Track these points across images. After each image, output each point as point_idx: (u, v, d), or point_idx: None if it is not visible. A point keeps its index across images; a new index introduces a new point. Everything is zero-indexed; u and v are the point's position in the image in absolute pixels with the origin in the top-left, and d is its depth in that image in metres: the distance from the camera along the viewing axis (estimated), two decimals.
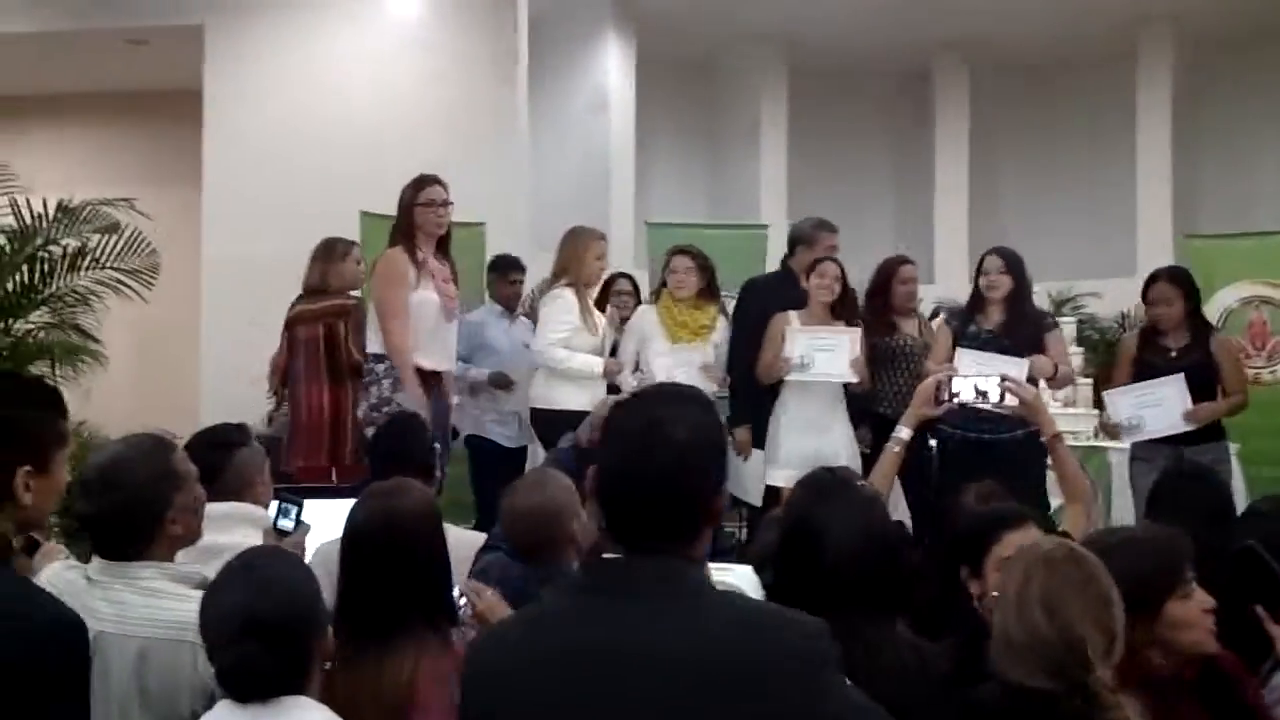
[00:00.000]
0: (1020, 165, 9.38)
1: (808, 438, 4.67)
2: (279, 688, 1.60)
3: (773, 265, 7.50)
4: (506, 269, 5.77)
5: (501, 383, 5.23)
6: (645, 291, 5.90)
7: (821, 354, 4.72)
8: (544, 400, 4.92)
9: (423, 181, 4.56)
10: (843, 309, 4.81)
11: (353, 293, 5.03)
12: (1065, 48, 8.83)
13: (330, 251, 5.06)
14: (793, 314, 4.90)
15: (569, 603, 1.43)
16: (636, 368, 5.03)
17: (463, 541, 2.68)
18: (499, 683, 1.39)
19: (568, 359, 4.82)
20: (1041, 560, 1.80)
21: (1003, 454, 4.16)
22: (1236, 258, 6.60)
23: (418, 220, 4.47)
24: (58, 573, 1.94)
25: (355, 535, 2.07)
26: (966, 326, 4.60)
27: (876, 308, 5.03)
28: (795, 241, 5.34)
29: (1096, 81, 9.05)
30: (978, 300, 4.63)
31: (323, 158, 6.60)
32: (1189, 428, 4.42)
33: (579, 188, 8.35)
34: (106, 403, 5.79)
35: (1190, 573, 1.92)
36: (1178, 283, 4.67)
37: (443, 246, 4.60)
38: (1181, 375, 4.44)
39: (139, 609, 1.85)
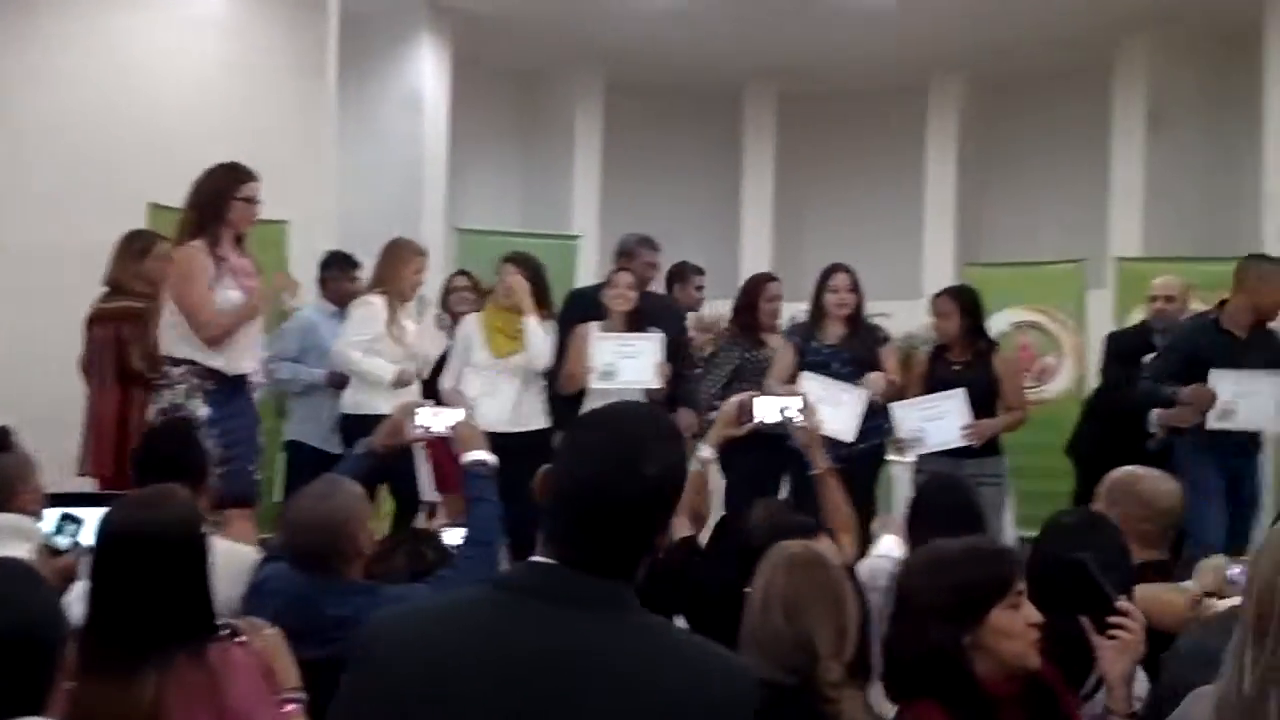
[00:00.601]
0: (822, 189, 9.79)
1: None
2: (10, 709, 1.49)
3: (584, 275, 7.63)
4: (346, 265, 5.65)
5: (339, 383, 5.09)
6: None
7: (626, 360, 4.81)
8: (353, 405, 4.83)
9: (242, 174, 4.30)
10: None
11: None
12: (864, 81, 9.29)
13: (130, 246, 4.80)
14: (593, 324, 4.98)
15: (512, 601, 1.38)
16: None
17: (236, 555, 2.58)
18: (426, 672, 1.33)
19: (359, 362, 4.76)
20: (785, 562, 1.90)
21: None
22: (1011, 284, 7.11)
23: (230, 214, 4.20)
24: None
25: (104, 546, 1.94)
26: (809, 341, 4.76)
27: (744, 323, 5.17)
28: (619, 254, 5.51)
29: (891, 115, 9.55)
30: (819, 315, 4.81)
31: (111, 147, 6.20)
32: (967, 443, 4.68)
33: (390, 189, 8.19)
34: None
35: (1020, 584, 1.98)
36: (955, 298, 5.00)
37: (240, 241, 4.40)
38: (962, 391, 4.71)
39: None
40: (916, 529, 2.87)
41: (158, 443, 2.79)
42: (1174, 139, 8.29)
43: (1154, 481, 2.87)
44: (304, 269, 6.06)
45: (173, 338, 4.12)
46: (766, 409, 3.03)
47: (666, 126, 9.76)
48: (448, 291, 5.94)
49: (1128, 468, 2.96)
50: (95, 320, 4.73)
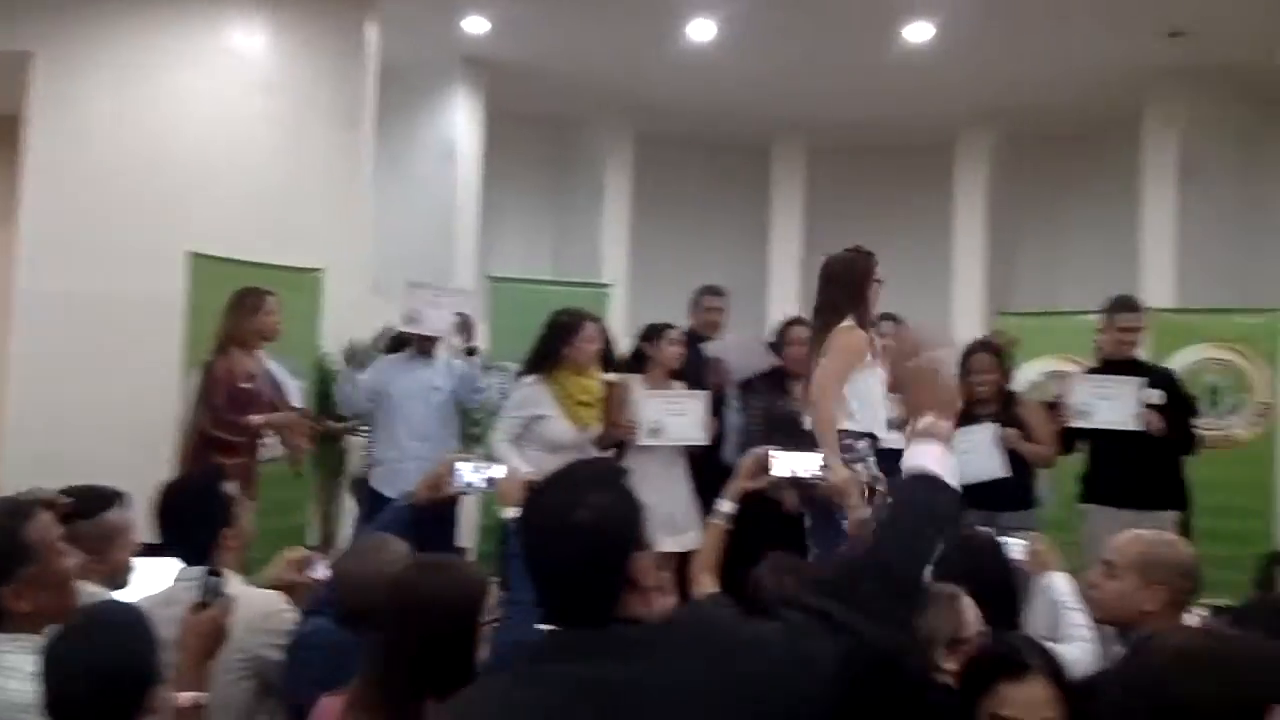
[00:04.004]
0: (850, 240, 9.75)
1: (649, 498, 4.73)
2: None
3: (615, 323, 7.66)
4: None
5: None
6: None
7: (673, 419, 4.83)
8: None
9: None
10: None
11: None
12: (893, 134, 9.36)
13: (243, 303, 5.02)
14: (634, 379, 4.99)
15: (516, 678, 1.48)
16: None
17: (273, 611, 2.59)
18: None
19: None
20: None
21: None
22: (1043, 334, 7.08)
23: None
24: None
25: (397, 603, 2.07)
26: None
27: (771, 370, 5.15)
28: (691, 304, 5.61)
29: (920, 167, 9.61)
30: None
31: (153, 196, 6.33)
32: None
33: (423, 237, 8.30)
34: None
35: None
36: (995, 353, 5.02)
37: None
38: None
39: None
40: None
41: (175, 496, 2.77)
42: (1204, 192, 8.30)
43: None
44: (338, 317, 6.15)
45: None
46: (783, 464, 3.01)
47: (696, 177, 9.85)
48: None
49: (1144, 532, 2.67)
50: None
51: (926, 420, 1.64)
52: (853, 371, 4.00)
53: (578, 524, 1.46)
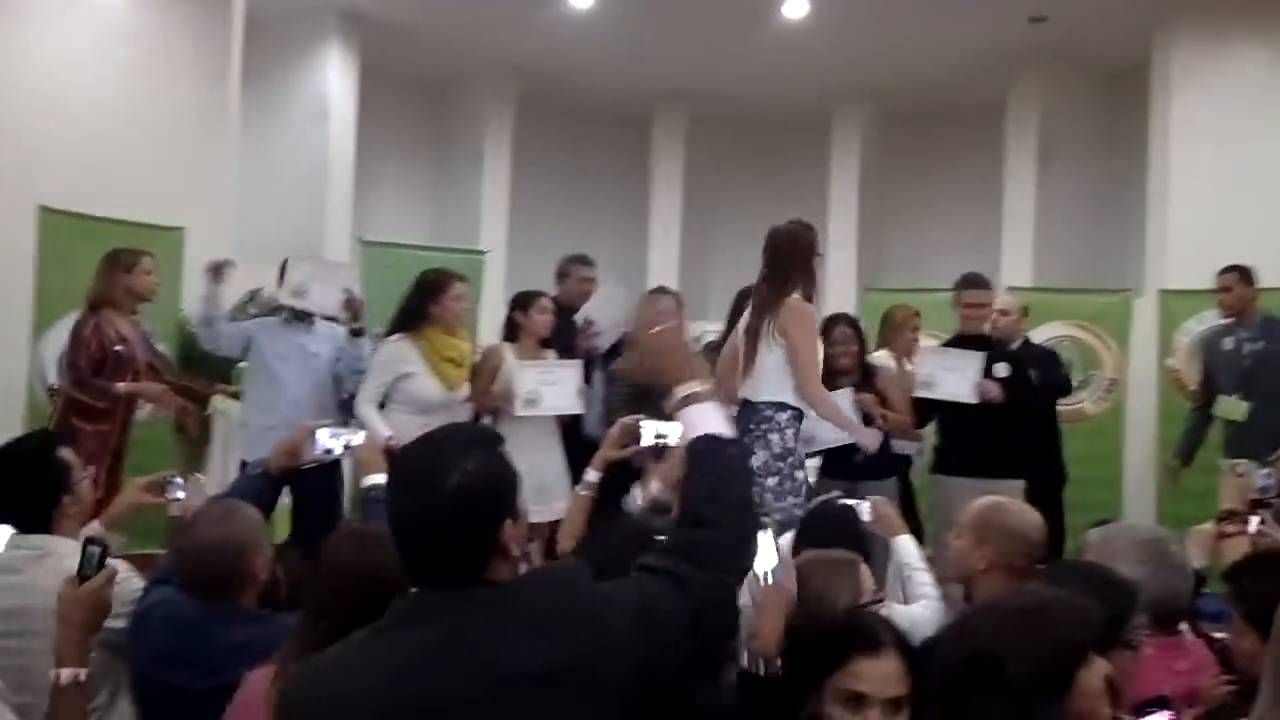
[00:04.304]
0: (729, 214, 9.92)
1: (533, 470, 4.73)
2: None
3: (491, 290, 7.59)
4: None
5: None
6: None
7: (549, 388, 4.81)
8: None
9: None
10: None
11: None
12: (771, 109, 9.48)
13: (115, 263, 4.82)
14: (506, 347, 4.96)
15: (377, 638, 1.50)
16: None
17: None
18: (336, 709, 1.45)
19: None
20: None
21: None
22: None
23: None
24: None
25: None
26: None
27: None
28: (557, 275, 5.58)
29: (798, 141, 9.76)
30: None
31: (1, 149, 5.99)
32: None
33: (293, 199, 8.05)
34: None
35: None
36: (853, 326, 5.15)
37: None
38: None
39: None
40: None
41: (4, 463, 2.61)
42: (1063, 173, 8.63)
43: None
44: (201, 278, 5.93)
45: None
46: (651, 434, 3.02)
47: (577, 145, 9.79)
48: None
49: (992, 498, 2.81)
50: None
51: (691, 385, 1.76)
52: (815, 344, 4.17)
53: (451, 489, 1.47)
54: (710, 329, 5.67)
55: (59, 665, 1.98)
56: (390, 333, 4.90)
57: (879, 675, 1.85)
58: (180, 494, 2.94)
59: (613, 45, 8.31)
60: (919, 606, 2.77)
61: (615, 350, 5.14)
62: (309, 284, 4.90)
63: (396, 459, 1.60)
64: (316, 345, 5.01)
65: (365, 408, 4.74)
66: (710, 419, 1.74)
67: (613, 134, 9.86)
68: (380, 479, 2.66)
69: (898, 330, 5.70)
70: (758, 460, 4.05)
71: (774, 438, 4.08)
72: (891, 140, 9.65)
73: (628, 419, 3.09)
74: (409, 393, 4.78)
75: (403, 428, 4.67)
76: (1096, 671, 1.67)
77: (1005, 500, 2.79)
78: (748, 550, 1.72)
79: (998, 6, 7.63)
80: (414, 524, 1.49)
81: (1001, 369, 5.12)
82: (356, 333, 4.96)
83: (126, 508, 2.94)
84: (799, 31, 8.01)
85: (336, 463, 4.21)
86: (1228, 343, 5.69)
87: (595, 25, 8.01)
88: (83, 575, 2.02)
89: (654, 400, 4.71)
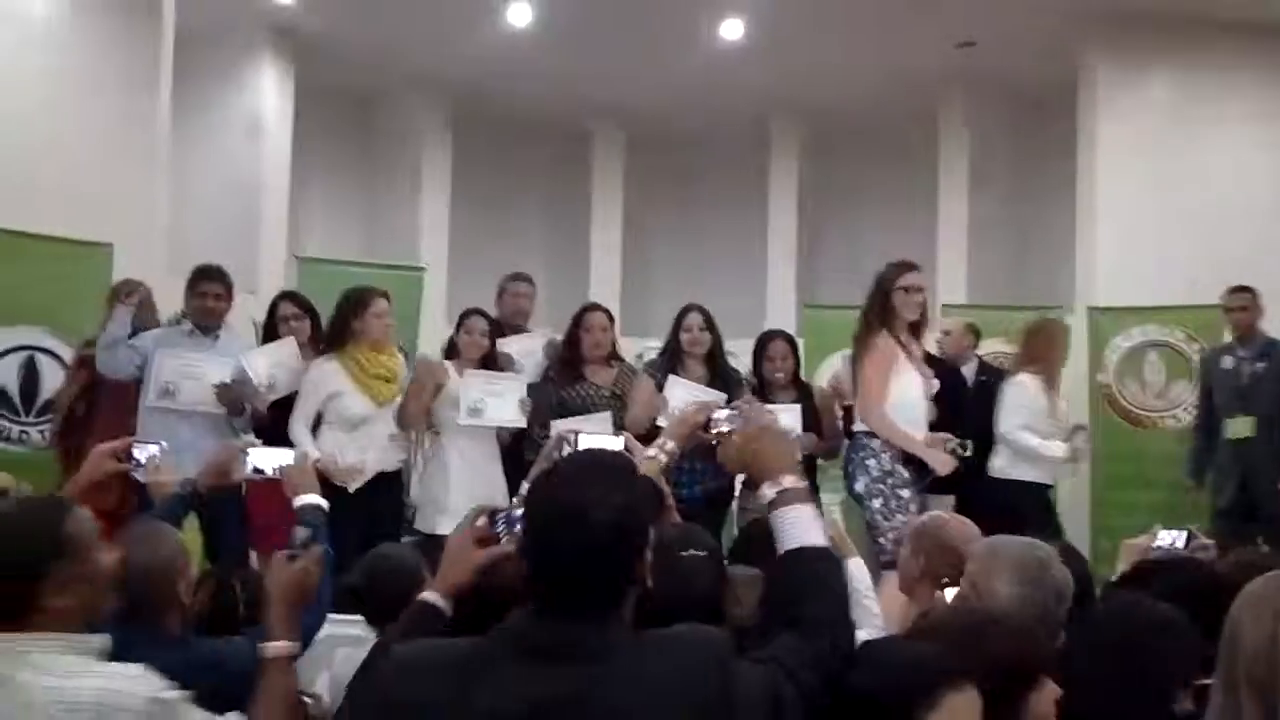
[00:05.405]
0: (669, 231, 9.97)
1: (475, 485, 4.70)
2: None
3: (430, 307, 7.52)
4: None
5: None
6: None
7: (493, 399, 4.78)
8: None
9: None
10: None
11: None
12: (710, 127, 9.53)
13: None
14: (449, 365, 4.94)
15: (505, 660, 1.48)
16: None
17: None
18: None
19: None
20: None
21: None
22: (844, 328, 7.33)
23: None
24: None
25: None
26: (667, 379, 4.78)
27: (565, 358, 5.05)
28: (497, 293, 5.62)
29: (736, 159, 9.83)
30: (677, 354, 4.85)
31: None
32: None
33: (227, 213, 7.91)
34: None
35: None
36: (788, 341, 5.17)
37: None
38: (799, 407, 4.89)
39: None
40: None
41: None
42: (995, 192, 8.81)
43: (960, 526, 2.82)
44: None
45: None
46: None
47: (517, 161, 9.76)
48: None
49: (933, 513, 2.99)
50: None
51: (789, 481, 1.74)
52: (889, 376, 4.43)
53: (603, 521, 1.48)
54: (650, 345, 5.66)
55: (269, 638, 2.04)
56: (320, 353, 4.86)
57: None
58: (144, 457, 2.93)
59: (550, 62, 8.31)
60: (862, 634, 2.78)
61: (548, 370, 5.13)
62: (179, 382, 4.73)
63: (540, 489, 1.59)
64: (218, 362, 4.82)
65: (297, 427, 4.69)
66: (814, 526, 1.72)
67: (551, 150, 9.85)
68: (312, 499, 2.62)
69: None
70: (859, 485, 4.45)
71: (870, 463, 4.44)
72: (828, 159, 9.77)
73: (564, 429, 3.09)
74: (338, 411, 4.75)
75: (336, 445, 4.68)
76: (1047, 696, 1.71)
77: (949, 515, 2.88)
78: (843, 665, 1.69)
79: (927, 31, 7.78)
80: (562, 555, 1.49)
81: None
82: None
83: (92, 477, 2.84)
84: (735, 51, 8.09)
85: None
86: (1227, 361, 5.83)
87: (533, 42, 8.00)
88: (292, 555, 2.12)
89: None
